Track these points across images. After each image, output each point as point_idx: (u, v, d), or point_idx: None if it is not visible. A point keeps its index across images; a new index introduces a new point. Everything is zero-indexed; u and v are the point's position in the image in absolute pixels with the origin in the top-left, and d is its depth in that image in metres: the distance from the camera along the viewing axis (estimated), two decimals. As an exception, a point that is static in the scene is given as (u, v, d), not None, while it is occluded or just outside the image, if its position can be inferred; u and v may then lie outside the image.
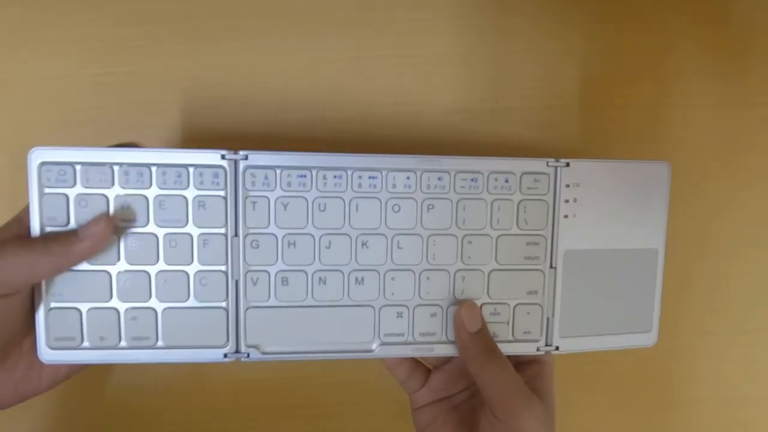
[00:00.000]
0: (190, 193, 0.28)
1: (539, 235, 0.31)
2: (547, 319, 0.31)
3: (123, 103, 0.35)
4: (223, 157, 0.28)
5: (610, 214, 0.31)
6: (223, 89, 0.36)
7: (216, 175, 0.28)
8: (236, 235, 0.29)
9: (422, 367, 0.34)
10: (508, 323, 0.31)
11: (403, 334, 0.30)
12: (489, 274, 0.31)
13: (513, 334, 0.31)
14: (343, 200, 0.29)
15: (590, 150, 0.38)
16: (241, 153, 0.28)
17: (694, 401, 0.40)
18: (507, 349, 0.31)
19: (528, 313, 0.31)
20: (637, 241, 0.32)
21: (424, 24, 0.36)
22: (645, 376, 0.40)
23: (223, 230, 0.29)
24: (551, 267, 0.31)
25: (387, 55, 0.36)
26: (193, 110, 0.36)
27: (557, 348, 0.31)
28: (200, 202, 0.28)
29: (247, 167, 0.29)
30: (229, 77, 0.36)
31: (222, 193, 0.28)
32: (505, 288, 0.31)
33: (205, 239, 0.29)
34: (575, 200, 0.31)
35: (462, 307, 0.30)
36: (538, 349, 0.31)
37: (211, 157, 0.28)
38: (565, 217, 0.31)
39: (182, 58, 0.35)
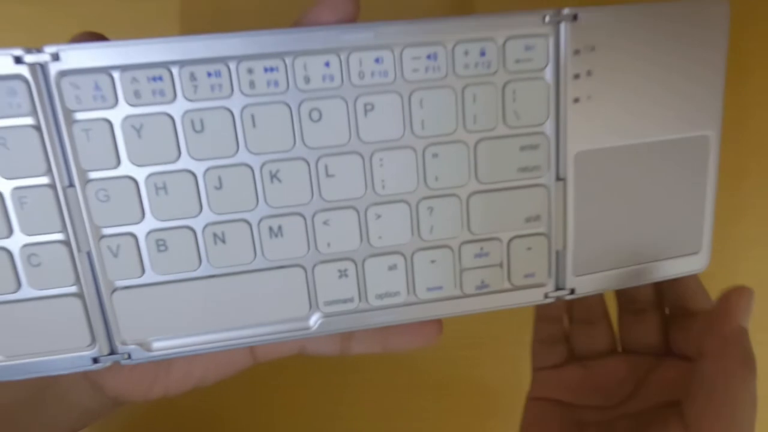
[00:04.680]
0: (-22, 125, 0.18)
1: (538, 133, 0.20)
2: (557, 253, 0.22)
3: None
4: (18, 60, 0.17)
5: (641, 91, 0.21)
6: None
7: (13, 92, 0.17)
8: (71, 184, 0.18)
9: (565, 345, 0.27)
10: (501, 266, 0.21)
11: (351, 299, 0.21)
12: (468, 200, 0.21)
13: (510, 280, 0.22)
14: (231, 111, 0.19)
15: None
16: (48, 50, 0.17)
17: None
18: (505, 300, 0.22)
19: (529, 249, 0.21)
20: (680, 126, 0.21)
21: None
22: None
23: (46, 179, 0.18)
24: (558, 179, 0.21)
25: None
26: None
27: (572, 291, 0.22)
28: (-1, 139, 0.18)
29: (62, 73, 0.18)
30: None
31: (30, 120, 0.18)
32: (493, 217, 0.21)
33: (21, 196, 0.18)
34: (589, 74, 0.20)
35: (735, 291, 0.21)
36: (546, 296, 0.22)
37: (-3, 62, 0.17)
38: (576, 101, 0.20)
39: None
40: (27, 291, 0.19)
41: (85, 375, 0.21)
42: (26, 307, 0.19)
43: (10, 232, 0.18)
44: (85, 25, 0.23)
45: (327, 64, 0.19)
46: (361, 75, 0.19)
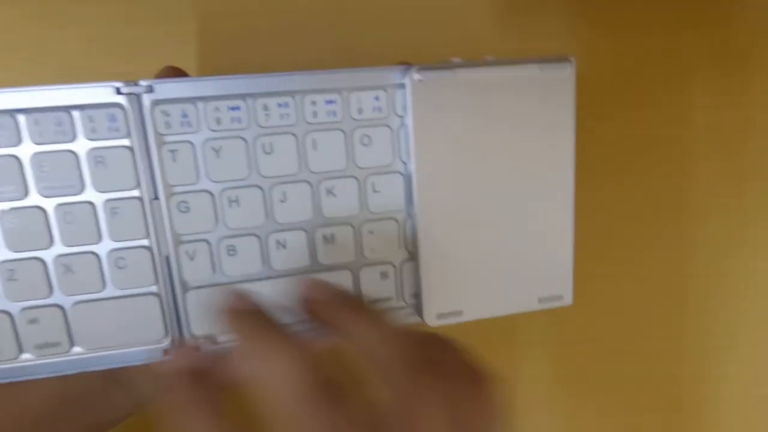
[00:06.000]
0: (81, 146, 0.20)
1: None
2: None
3: None
4: (118, 91, 0.20)
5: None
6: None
7: (113, 118, 0.20)
8: (156, 197, 0.21)
9: None
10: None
11: (390, 299, 0.24)
12: (491, 213, 0.24)
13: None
14: (295, 136, 0.22)
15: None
16: (143, 83, 0.20)
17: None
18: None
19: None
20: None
21: None
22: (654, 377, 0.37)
23: (136, 192, 0.21)
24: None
25: None
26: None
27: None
28: (97, 158, 0.20)
29: (155, 103, 0.21)
30: None
31: (126, 141, 0.21)
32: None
33: (113, 207, 0.21)
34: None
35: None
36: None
37: (100, 92, 0.20)
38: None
39: None
40: (111, 290, 0.22)
41: (150, 365, 0.24)
42: (109, 305, 0.22)
43: (100, 238, 0.21)
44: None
45: (377, 99, 0.22)
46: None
